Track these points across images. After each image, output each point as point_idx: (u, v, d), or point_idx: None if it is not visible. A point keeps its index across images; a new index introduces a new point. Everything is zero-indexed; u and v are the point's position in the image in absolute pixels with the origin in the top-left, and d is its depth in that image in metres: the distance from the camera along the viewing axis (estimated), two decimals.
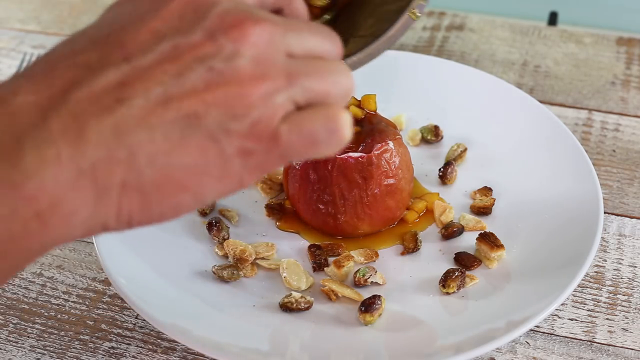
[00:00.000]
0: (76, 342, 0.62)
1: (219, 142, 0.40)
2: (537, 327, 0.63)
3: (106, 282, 0.67)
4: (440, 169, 0.74)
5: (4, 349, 0.62)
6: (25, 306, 0.65)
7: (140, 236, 0.63)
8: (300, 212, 0.69)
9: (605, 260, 0.69)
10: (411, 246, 0.67)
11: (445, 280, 0.63)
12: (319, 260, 0.66)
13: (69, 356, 0.61)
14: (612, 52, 0.93)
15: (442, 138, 0.78)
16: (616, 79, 0.89)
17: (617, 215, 0.73)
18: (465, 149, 0.75)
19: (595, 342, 0.62)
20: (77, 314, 0.65)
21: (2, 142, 0.37)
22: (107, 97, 0.38)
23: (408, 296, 0.63)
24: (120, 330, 0.63)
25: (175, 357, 0.61)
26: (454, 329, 0.60)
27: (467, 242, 0.67)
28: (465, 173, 0.74)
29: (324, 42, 0.43)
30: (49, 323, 0.64)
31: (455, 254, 0.66)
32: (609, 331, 0.63)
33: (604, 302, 0.65)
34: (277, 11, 0.46)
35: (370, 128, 0.67)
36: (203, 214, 0.70)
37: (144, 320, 0.62)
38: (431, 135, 0.77)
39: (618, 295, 0.66)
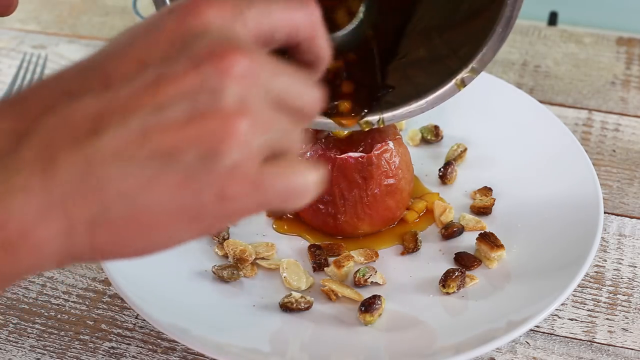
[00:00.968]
0: (76, 342, 0.62)
1: (197, 182, 0.37)
2: (537, 327, 0.63)
3: (106, 282, 0.67)
4: (440, 169, 0.74)
5: (4, 349, 0.62)
6: (25, 306, 0.65)
7: None
8: (300, 212, 0.69)
9: (605, 260, 0.68)
10: (411, 246, 0.67)
11: (445, 280, 0.63)
12: (319, 260, 0.66)
13: (69, 356, 0.61)
14: (612, 52, 0.93)
15: (442, 138, 0.78)
16: (616, 79, 0.89)
17: (617, 215, 0.73)
18: (465, 149, 0.75)
19: (595, 342, 0.62)
20: (77, 314, 0.65)
21: None
22: (82, 126, 0.37)
23: (408, 296, 0.63)
24: (120, 330, 0.63)
25: (175, 357, 0.61)
26: (454, 329, 0.60)
27: (467, 242, 0.67)
28: (465, 173, 0.74)
29: (306, 94, 0.41)
30: (49, 323, 0.64)
31: (455, 254, 0.66)
32: (609, 331, 0.63)
33: (604, 302, 0.65)
34: (294, 48, 0.44)
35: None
36: None
37: (144, 320, 0.62)
38: (431, 135, 0.77)
39: (618, 295, 0.66)
